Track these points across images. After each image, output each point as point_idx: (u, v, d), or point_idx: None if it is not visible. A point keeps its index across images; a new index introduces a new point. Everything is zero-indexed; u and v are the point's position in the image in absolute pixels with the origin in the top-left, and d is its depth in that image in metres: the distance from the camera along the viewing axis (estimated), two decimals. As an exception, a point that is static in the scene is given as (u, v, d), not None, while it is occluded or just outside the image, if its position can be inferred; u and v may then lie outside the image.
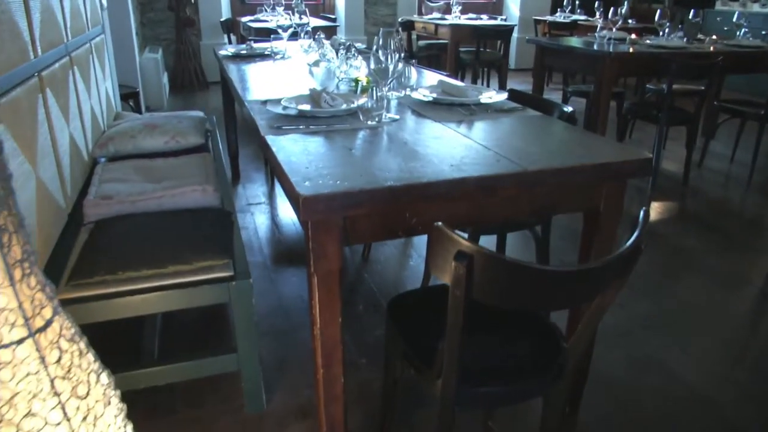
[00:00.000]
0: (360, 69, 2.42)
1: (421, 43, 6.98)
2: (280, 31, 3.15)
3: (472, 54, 6.03)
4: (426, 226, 1.28)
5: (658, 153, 3.65)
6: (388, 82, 1.73)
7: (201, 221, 1.89)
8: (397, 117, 1.73)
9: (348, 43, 2.41)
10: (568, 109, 1.95)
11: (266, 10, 6.16)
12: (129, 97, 4.37)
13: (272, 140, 1.50)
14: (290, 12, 5.89)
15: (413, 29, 6.65)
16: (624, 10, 6.09)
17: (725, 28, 6.95)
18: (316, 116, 1.70)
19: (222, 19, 6.12)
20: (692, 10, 4.31)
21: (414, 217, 1.25)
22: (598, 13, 7.05)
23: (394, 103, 1.97)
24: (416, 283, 2.52)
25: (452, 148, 1.42)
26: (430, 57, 6.65)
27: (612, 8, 4.18)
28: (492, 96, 1.92)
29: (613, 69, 3.49)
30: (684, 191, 3.76)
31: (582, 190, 1.43)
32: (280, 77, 2.54)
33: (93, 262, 1.64)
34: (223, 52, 3.21)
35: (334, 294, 1.27)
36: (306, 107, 1.77)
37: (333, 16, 6.88)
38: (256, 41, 3.73)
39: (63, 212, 1.94)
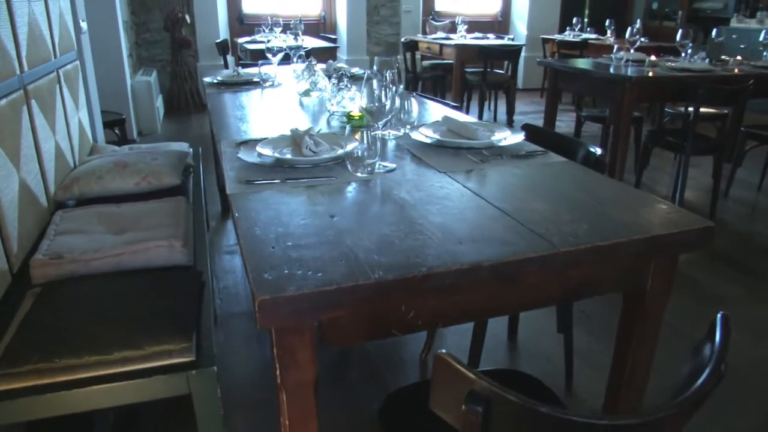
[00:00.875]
0: (354, 100, 2.14)
1: (425, 63, 6.73)
2: (269, 55, 2.89)
3: (479, 75, 5.77)
4: (428, 322, 0.98)
5: (683, 185, 3.35)
6: (383, 123, 1.45)
7: (163, 287, 1.60)
8: (394, 166, 1.44)
9: (340, 71, 2.14)
10: (596, 150, 1.66)
11: (264, 31, 5.93)
12: (115, 124, 4.11)
13: (238, 200, 1.22)
14: (288, 33, 5.67)
15: (417, 49, 6.41)
16: (637, 28, 5.85)
17: (741, 46, 6.68)
18: (296, 166, 1.42)
19: (217, 41, 5.89)
20: (714, 29, 4.04)
21: (411, 310, 0.96)
22: (609, 32, 6.81)
23: (391, 144, 1.69)
24: (421, 342, 2.22)
25: (461, 215, 1.13)
26: (435, 78, 6.39)
27: (629, 27, 3.90)
28: (506, 137, 1.63)
29: (633, 94, 3.20)
30: (711, 226, 3.44)
31: (626, 268, 1.13)
32: (266, 110, 2.26)
33: (28, 344, 1.35)
34: (208, 79, 2.94)
35: (308, 411, 0.97)
36: (286, 155, 1.49)
37: (334, 37, 6.65)
38: (244, 66, 3.47)
39: (6, 274, 1.66)
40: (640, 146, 4.04)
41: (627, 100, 3.21)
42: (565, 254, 0.98)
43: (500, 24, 8.24)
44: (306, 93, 2.48)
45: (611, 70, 3.50)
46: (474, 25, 7.07)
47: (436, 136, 1.65)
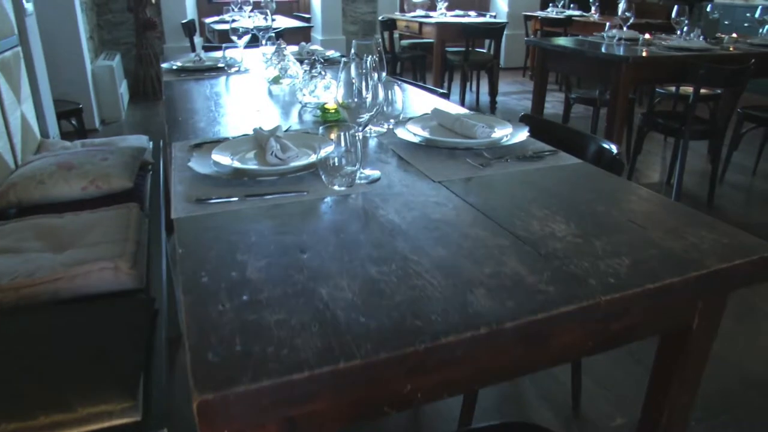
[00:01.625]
0: (330, 89, 1.88)
1: (404, 42, 6.44)
2: (234, 37, 2.59)
3: (461, 55, 5.51)
4: (430, 395, 0.75)
5: (681, 171, 3.16)
6: (365, 121, 1.20)
7: (106, 321, 1.35)
8: (378, 175, 1.19)
9: (313, 56, 1.87)
10: (611, 147, 1.43)
11: (233, 10, 5.58)
12: (71, 114, 3.78)
13: (184, 230, 0.97)
14: (257, 12, 5.33)
15: (395, 28, 6.11)
16: (622, 4, 5.62)
17: (726, 23, 6.50)
18: (258, 176, 1.16)
19: (183, 21, 5.52)
20: (709, 5, 3.83)
21: (408, 383, 0.72)
22: (593, 8, 6.58)
23: (372, 143, 1.44)
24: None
25: (466, 244, 0.89)
26: (415, 58, 6.11)
27: (621, 4, 3.67)
28: (509, 134, 1.39)
29: (630, 75, 2.98)
30: (709, 215, 3.26)
31: (672, 309, 0.91)
32: (229, 101, 1.99)
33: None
34: (166, 66, 2.64)
35: None
36: (247, 164, 1.23)
37: (308, 16, 6.31)
38: (210, 49, 3.17)
39: None
40: (632, 129, 3.85)
41: (624, 81, 2.99)
42: (608, 304, 0.75)
43: (481, 1, 7.95)
44: (275, 80, 2.20)
45: (604, 50, 3.27)
46: (454, 2, 6.78)
47: (426, 134, 1.41)
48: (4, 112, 2.23)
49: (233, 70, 2.54)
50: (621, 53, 3.10)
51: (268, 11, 3.79)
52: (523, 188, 1.12)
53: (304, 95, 1.84)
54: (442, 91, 2.17)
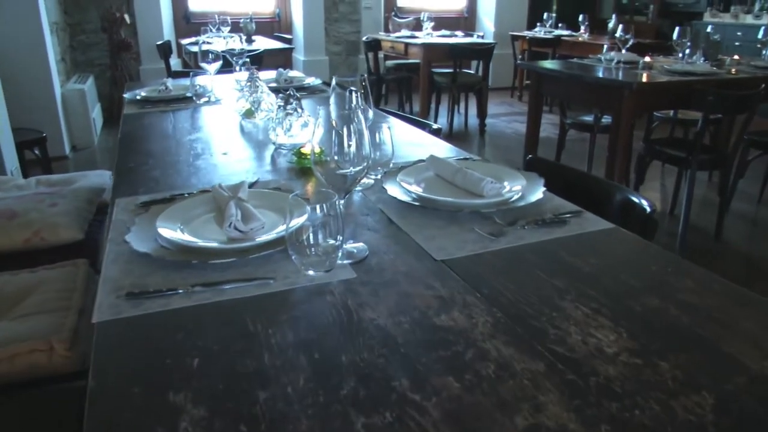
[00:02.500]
0: (308, 126, 1.65)
1: (389, 63, 6.25)
2: (203, 64, 2.35)
3: (448, 76, 5.31)
4: None
5: (688, 203, 2.95)
6: (348, 187, 0.96)
7: (30, 418, 1.08)
8: (364, 252, 0.95)
9: (288, 90, 1.64)
10: (642, 203, 1.20)
11: (211, 31, 5.35)
12: (34, 144, 3.50)
13: (102, 339, 0.72)
14: (236, 33, 5.11)
15: (380, 49, 5.91)
16: (613, 24, 5.47)
17: (715, 37, 6.37)
18: (211, 258, 0.91)
19: (158, 43, 5.28)
20: (709, 25, 3.66)
21: None
22: (582, 27, 6.44)
23: (357, 199, 1.21)
24: None
25: (489, 374, 0.65)
26: (400, 80, 5.91)
27: (620, 25, 3.49)
28: (521, 189, 1.15)
29: (634, 102, 2.78)
30: (718, 250, 3.06)
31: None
32: (194, 141, 1.74)
33: None
34: (128, 96, 2.39)
35: None
36: (200, 237, 0.98)
37: (289, 36, 6.10)
38: (179, 75, 2.93)
39: None
40: (631, 155, 3.65)
41: (627, 108, 2.79)
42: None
43: (466, 20, 7.81)
44: (248, 114, 1.96)
45: (603, 74, 3.07)
46: (439, 22, 6.61)
47: (421, 191, 1.17)
48: (-61, 152, 1.96)
49: (203, 100, 2.30)
50: (622, 78, 2.90)
51: (241, 34, 3.54)
52: (549, 270, 0.89)
53: (277, 135, 1.60)
54: (435, 126, 1.94)
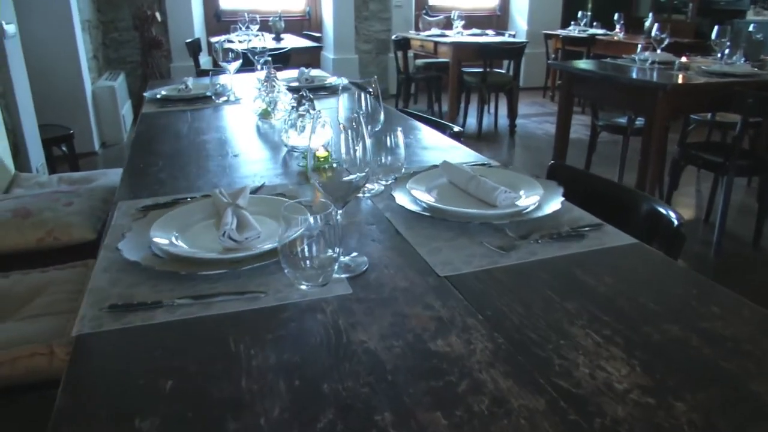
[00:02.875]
0: (325, 127, 1.60)
1: (419, 62, 6.17)
2: (223, 63, 2.33)
3: (478, 76, 5.21)
4: None
5: (724, 211, 2.82)
6: (344, 201, 0.91)
7: (33, 423, 1.06)
8: (363, 265, 0.90)
9: (301, 92, 1.59)
10: (669, 215, 1.12)
11: (240, 29, 5.37)
12: (61, 141, 3.54)
13: (80, 354, 0.68)
14: (263, 32, 5.12)
15: (409, 47, 5.84)
16: (649, 23, 5.30)
17: (758, 37, 6.12)
18: (202, 265, 0.87)
19: (188, 41, 5.32)
20: (752, 24, 3.50)
21: None
22: (618, 26, 6.26)
23: (365, 207, 1.15)
24: None
25: (481, 409, 0.59)
26: (429, 79, 5.83)
27: (655, 24, 3.36)
28: (538, 200, 1.08)
29: (668, 104, 2.66)
30: (755, 257, 2.91)
31: None
32: (207, 142, 1.71)
33: None
34: (149, 95, 2.39)
35: None
36: (193, 245, 0.94)
37: (318, 35, 6.08)
38: (203, 74, 2.92)
39: None
40: (665, 159, 3.51)
41: (661, 111, 2.67)
42: None
43: (499, 19, 7.68)
44: (264, 115, 1.93)
45: (636, 75, 2.96)
46: (471, 21, 6.51)
47: (432, 200, 1.11)
48: (-39, 149, 1.98)
49: (222, 100, 2.28)
50: (656, 79, 2.78)
51: (261, 33, 3.52)
52: (561, 290, 0.82)
53: (289, 137, 1.55)
54: (456, 129, 1.87)
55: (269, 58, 2.47)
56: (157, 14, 5.97)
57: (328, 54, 6.78)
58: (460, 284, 0.83)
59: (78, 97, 4.60)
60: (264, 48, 2.63)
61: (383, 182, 1.26)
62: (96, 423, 0.59)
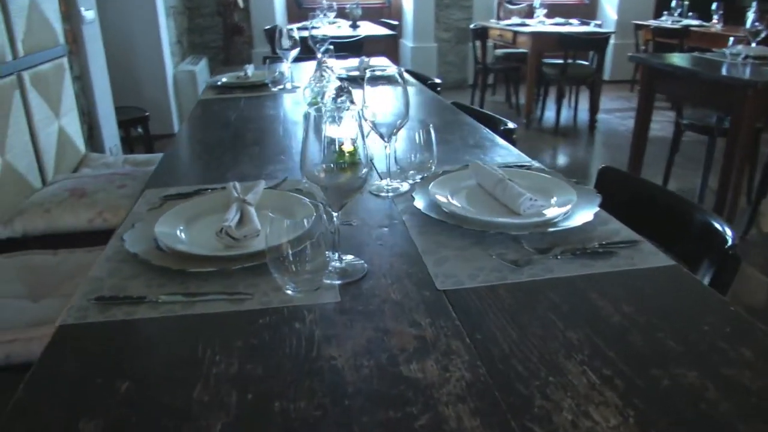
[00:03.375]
0: (368, 117, 1.55)
1: (498, 52, 5.98)
2: (279, 52, 2.32)
3: (558, 68, 4.99)
4: None
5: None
6: (340, 205, 0.86)
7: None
8: (361, 271, 0.84)
9: (341, 83, 1.55)
10: (725, 232, 0.99)
11: (318, 16, 5.40)
12: (137, 122, 3.70)
13: (57, 346, 0.68)
14: (338, 19, 5.12)
15: (488, 37, 5.67)
16: (752, 13, 4.85)
17: None
18: (194, 262, 0.85)
19: (266, 27, 5.41)
20: None
21: None
22: (715, 17, 5.80)
23: (383, 206, 1.10)
24: None
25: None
26: (507, 70, 5.64)
27: (751, 14, 3.06)
28: (568, 209, 0.99)
29: (757, 104, 2.42)
30: None
31: None
32: (250, 131, 1.70)
33: None
34: (209, 81, 2.43)
35: None
36: (197, 238, 0.93)
37: (395, 23, 6.01)
38: (272, 61, 2.93)
39: None
40: (756, 165, 3.22)
41: (748, 111, 2.43)
42: None
43: (587, 8, 7.31)
44: (314, 104, 1.90)
45: (725, 71, 2.71)
46: (556, 9, 6.24)
47: (452, 205, 1.04)
48: (32, 129, 2.08)
49: (278, 87, 2.28)
50: (746, 76, 2.53)
51: (337, 20, 3.50)
52: (568, 315, 0.73)
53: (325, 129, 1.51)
54: (509, 126, 1.77)
55: (330, 47, 2.45)
56: (240, 1, 6.11)
57: (407, 42, 6.72)
58: (457, 300, 0.76)
59: (159, 80, 4.80)
60: (325, 36, 2.60)
61: (410, 181, 1.20)
62: (44, 420, 0.58)
